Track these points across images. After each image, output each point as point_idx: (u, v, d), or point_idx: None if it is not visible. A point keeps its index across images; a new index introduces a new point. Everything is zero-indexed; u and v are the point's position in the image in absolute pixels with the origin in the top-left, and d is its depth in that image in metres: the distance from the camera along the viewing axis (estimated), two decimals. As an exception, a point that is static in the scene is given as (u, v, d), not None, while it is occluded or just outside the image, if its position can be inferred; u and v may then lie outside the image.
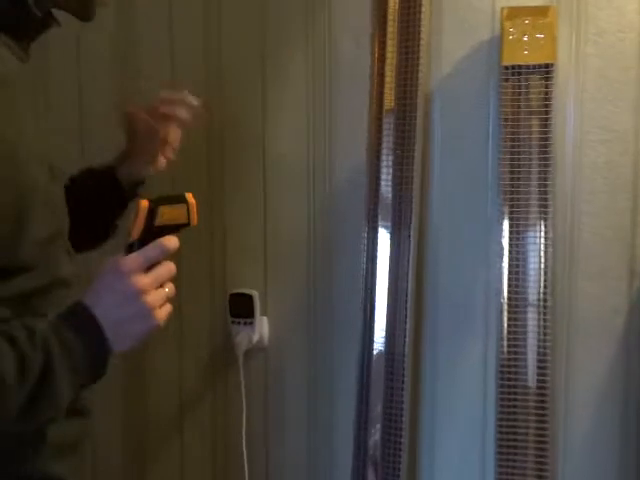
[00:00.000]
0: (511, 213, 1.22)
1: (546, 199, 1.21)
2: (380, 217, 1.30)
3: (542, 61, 1.19)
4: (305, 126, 1.41)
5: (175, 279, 0.75)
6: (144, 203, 0.70)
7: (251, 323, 1.45)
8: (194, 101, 0.97)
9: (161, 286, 0.73)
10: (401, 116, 1.27)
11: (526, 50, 1.19)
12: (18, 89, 0.73)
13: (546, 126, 1.20)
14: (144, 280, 0.70)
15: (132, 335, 0.72)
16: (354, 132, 1.37)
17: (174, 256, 0.73)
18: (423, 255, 1.32)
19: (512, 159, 1.22)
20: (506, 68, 1.20)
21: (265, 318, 1.47)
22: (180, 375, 1.55)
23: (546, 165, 1.21)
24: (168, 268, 0.73)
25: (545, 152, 1.21)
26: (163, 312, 0.73)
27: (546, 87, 1.19)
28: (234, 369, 1.47)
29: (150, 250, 0.71)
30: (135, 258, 0.70)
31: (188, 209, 0.72)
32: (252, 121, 1.43)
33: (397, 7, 1.27)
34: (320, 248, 1.43)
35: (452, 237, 1.32)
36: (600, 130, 1.23)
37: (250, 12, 1.43)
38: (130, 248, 0.71)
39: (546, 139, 1.21)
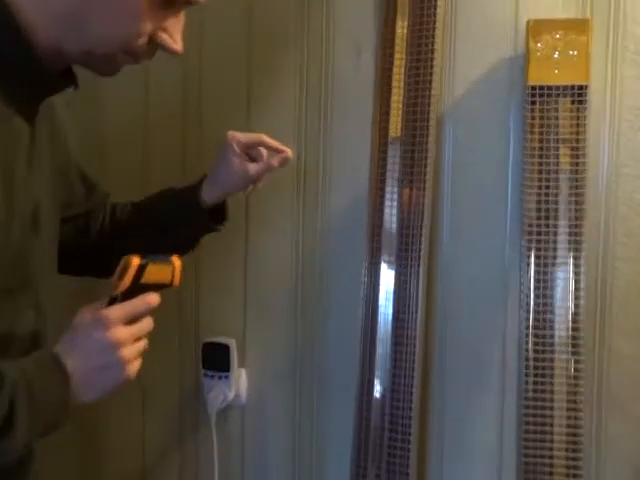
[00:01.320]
0: (537, 257, 1.04)
1: (577, 241, 1.04)
2: (383, 252, 1.12)
3: (575, 82, 1.02)
4: (295, 152, 1.23)
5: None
6: (135, 260, 0.72)
7: (227, 377, 1.26)
8: (290, 153, 0.98)
9: (137, 340, 0.74)
10: (409, 142, 1.09)
11: (556, 69, 1.03)
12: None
13: (577, 156, 1.03)
14: (124, 333, 0.72)
15: (101, 386, 0.72)
16: (352, 159, 1.19)
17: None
18: (432, 296, 1.14)
19: (538, 193, 1.04)
20: (533, 89, 1.04)
21: (243, 370, 1.28)
22: (143, 436, 1.34)
23: (577, 202, 1.04)
24: (148, 323, 0.75)
25: (576, 186, 1.04)
26: (135, 366, 0.74)
27: (578, 112, 1.03)
28: (206, 430, 1.27)
29: (135, 305, 0.73)
30: (119, 310, 0.72)
31: (173, 271, 0.76)
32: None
33: (407, 16, 1.10)
34: (309, 289, 1.24)
35: (465, 278, 1.14)
36: (638, 163, 1.06)
37: (234, 25, 1.25)
38: (113, 300, 0.73)
39: (577, 171, 1.04)
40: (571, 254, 1.04)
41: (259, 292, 1.27)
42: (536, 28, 1.04)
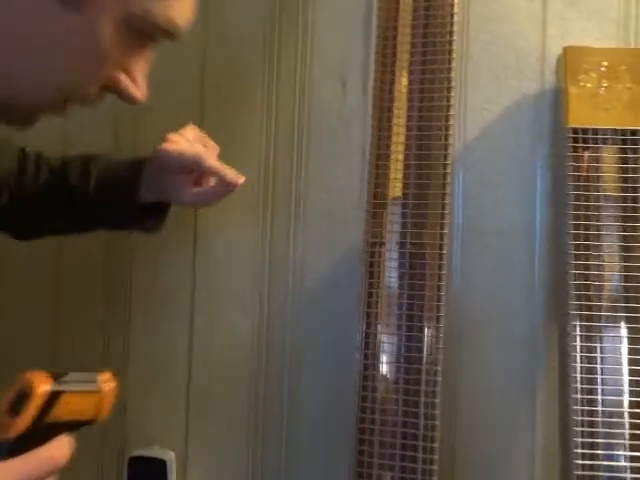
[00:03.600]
0: (586, 339, 0.80)
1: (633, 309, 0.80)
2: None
3: (628, 125, 0.81)
4: (257, 204, 0.96)
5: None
6: (42, 387, 0.46)
7: (162, 504, 0.93)
8: (239, 181, 0.76)
9: None
10: (416, 197, 0.84)
11: (606, 108, 0.81)
12: None
13: (633, 209, 0.81)
14: None
15: None
16: (334, 216, 0.93)
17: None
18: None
19: (586, 256, 0.81)
20: (575, 132, 0.81)
21: (184, 495, 0.96)
22: None
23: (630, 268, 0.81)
24: None
25: (628, 249, 0.81)
26: None
27: (635, 162, 0.81)
28: None
29: (34, 464, 0.46)
30: (6, 473, 0.45)
31: (100, 401, 0.50)
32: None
33: (410, 39, 0.87)
34: (274, 380, 0.95)
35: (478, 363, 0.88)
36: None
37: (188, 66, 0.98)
38: (6, 449, 0.45)
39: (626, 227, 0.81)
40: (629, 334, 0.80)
41: (206, 386, 0.97)
42: (575, 57, 0.83)
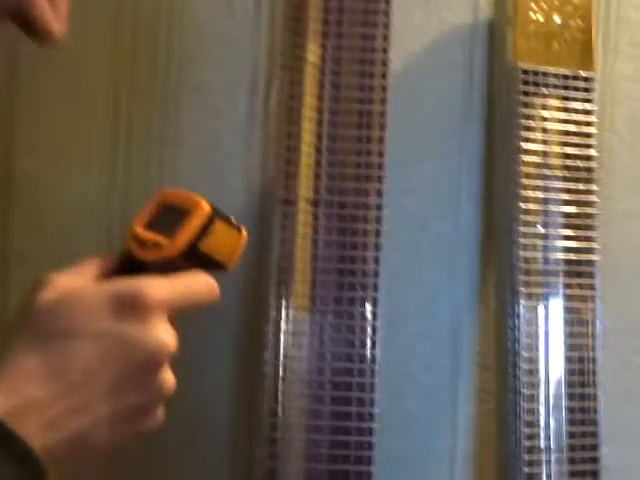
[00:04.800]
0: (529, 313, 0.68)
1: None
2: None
3: (577, 69, 0.69)
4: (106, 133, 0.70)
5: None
6: (205, 205, 0.41)
7: None
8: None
9: None
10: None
11: (556, 45, 0.68)
12: None
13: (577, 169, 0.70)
14: (173, 335, 0.38)
15: (102, 446, 0.35)
16: (213, 164, 0.71)
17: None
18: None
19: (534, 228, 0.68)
20: (525, 73, 0.68)
21: None
22: None
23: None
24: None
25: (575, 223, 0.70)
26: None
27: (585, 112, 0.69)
28: None
29: (192, 288, 0.40)
30: (167, 288, 0.38)
31: (237, 245, 0.43)
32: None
33: None
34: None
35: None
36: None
37: None
38: (139, 269, 0.39)
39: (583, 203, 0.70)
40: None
41: None
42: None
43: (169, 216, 0.41)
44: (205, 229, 0.40)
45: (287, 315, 0.60)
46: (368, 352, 0.60)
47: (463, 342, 0.73)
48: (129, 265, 0.41)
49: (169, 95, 0.69)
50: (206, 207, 0.41)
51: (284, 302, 0.60)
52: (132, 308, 0.35)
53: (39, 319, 0.36)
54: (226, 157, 0.69)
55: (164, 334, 0.37)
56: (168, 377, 0.38)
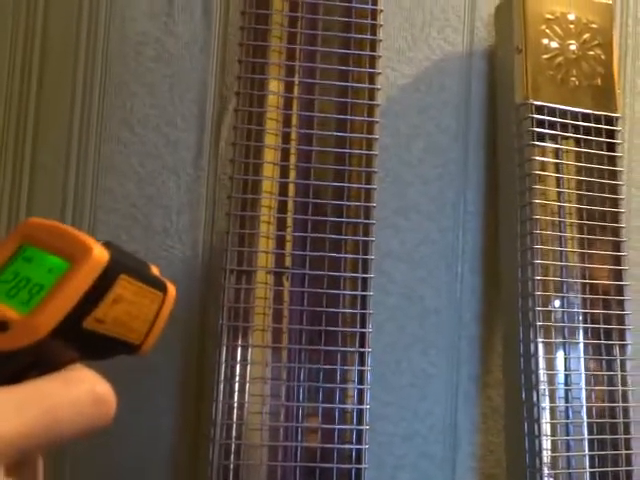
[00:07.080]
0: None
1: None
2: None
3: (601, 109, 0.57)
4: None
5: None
6: (99, 251, 0.24)
7: None
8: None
9: None
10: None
11: (574, 80, 0.57)
12: None
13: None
14: None
15: None
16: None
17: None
18: None
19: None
20: (539, 112, 0.55)
21: None
22: None
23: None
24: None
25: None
26: None
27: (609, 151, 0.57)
28: None
29: (56, 412, 0.22)
30: (9, 428, 0.21)
31: (161, 307, 0.27)
32: None
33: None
34: None
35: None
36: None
37: None
38: (24, 357, 0.23)
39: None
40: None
41: None
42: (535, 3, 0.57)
43: (34, 268, 0.24)
44: (98, 292, 0.25)
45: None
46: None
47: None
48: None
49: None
50: (101, 255, 0.25)
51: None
52: None
53: None
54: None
55: None
56: None
